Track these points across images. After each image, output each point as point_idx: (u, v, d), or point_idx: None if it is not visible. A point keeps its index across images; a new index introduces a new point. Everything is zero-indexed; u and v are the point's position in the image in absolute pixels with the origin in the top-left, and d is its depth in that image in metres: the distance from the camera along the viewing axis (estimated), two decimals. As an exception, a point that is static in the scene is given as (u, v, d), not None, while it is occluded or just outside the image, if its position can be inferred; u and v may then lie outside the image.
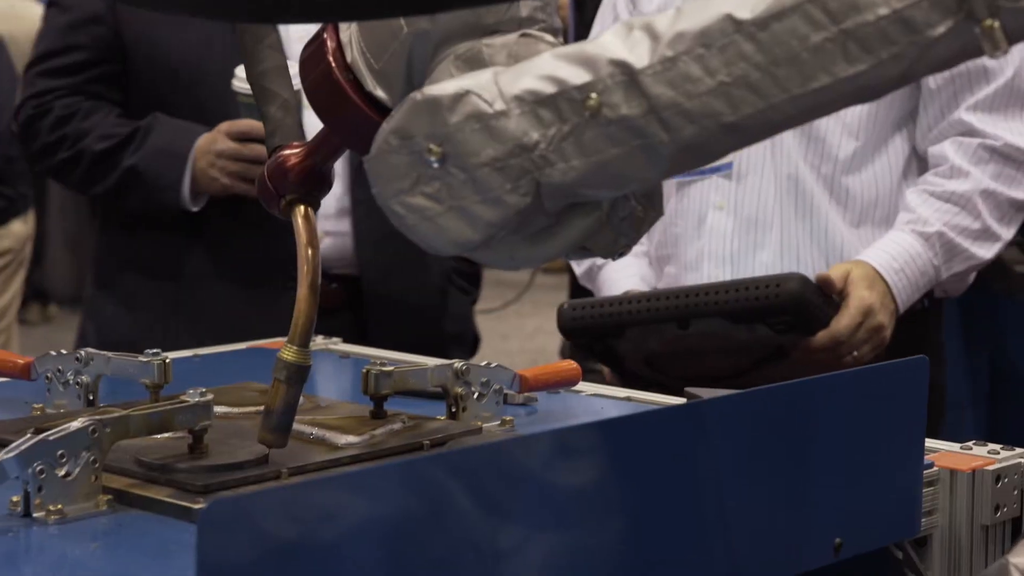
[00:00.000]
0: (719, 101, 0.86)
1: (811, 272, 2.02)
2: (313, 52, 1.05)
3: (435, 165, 0.92)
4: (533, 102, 0.90)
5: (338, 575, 0.82)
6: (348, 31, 1.04)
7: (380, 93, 1.02)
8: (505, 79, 0.91)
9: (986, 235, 2.06)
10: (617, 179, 0.91)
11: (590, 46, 0.89)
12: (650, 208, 1.01)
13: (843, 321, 1.94)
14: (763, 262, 2.07)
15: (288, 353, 1.17)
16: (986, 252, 2.07)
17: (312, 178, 1.17)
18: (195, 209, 2.26)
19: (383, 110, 1.02)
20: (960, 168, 2.05)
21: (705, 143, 0.88)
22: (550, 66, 0.90)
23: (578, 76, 0.89)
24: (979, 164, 2.05)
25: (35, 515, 1.08)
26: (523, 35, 0.99)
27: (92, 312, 2.43)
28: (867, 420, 1.12)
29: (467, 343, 2.51)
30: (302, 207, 1.18)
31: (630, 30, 0.89)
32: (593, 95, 0.88)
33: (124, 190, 2.29)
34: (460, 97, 0.92)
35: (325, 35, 1.05)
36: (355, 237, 2.30)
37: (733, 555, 1.04)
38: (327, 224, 2.27)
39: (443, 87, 0.93)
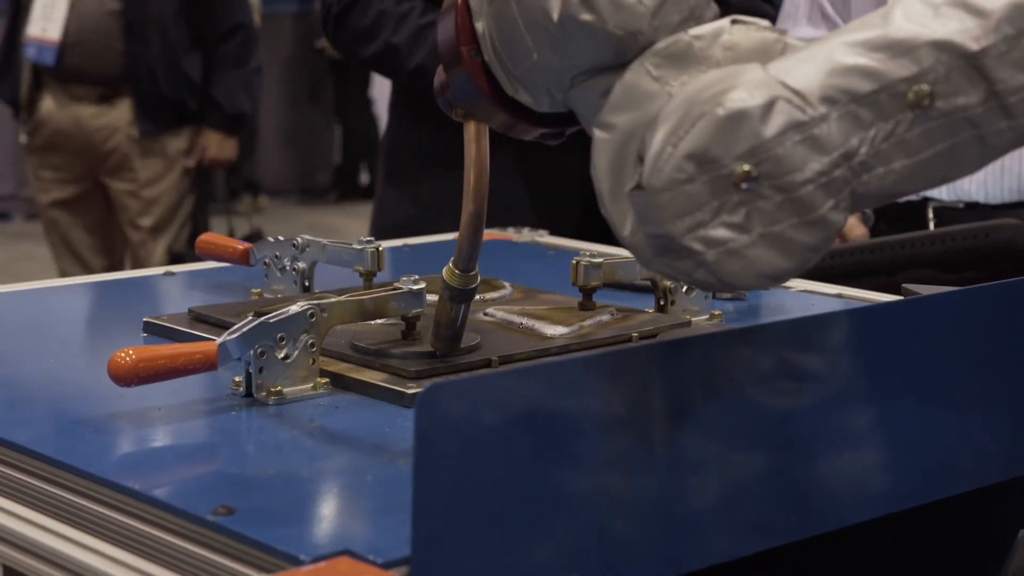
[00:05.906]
0: None
1: None
2: (445, 19, 0.97)
3: (743, 188, 0.80)
4: (849, 102, 0.79)
5: (545, 462, 0.83)
6: (482, 22, 0.94)
7: (523, 97, 0.94)
8: (791, 79, 0.80)
9: None
10: (936, 177, 0.81)
11: (891, 29, 0.79)
12: None
13: None
14: None
15: (449, 276, 1.15)
16: None
17: None
18: None
19: (502, 94, 0.94)
20: None
21: None
22: (850, 57, 0.79)
23: (899, 66, 0.78)
24: None
25: (256, 395, 1.11)
26: (734, 21, 0.85)
27: (378, 201, 2.35)
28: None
29: None
30: (474, 122, 1.10)
31: (934, 7, 0.79)
32: (918, 87, 0.78)
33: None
34: (771, 106, 0.79)
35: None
36: None
37: (949, 458, 1.02)
38: None
39: (743, 96, 0.80)
